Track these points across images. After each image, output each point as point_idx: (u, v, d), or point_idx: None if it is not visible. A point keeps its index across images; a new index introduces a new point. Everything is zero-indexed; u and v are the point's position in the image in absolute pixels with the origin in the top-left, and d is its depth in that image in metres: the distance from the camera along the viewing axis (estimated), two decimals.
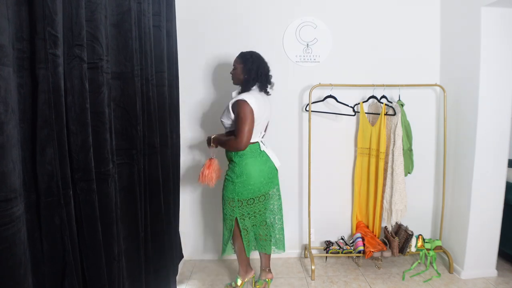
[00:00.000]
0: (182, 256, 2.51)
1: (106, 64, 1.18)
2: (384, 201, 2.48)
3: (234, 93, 2.04)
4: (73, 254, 0.97)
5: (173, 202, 2.09)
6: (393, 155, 2.39)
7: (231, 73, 2.06)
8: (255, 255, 2.34)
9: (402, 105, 2.43)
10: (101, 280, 1.11)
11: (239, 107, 1.86)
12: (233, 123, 1.94)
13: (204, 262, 2.63)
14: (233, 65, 2.04)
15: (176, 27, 2.18)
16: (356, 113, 2.55)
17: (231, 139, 1.92)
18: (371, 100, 2.53)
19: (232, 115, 1.91)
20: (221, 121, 2.03)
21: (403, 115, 2.42)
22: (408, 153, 2.46)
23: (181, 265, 2.51)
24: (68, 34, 0.99)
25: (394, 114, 2.38)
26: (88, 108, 1.06)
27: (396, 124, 2.37)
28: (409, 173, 2.51)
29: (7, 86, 0.73)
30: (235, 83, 2.06)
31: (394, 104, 2.41)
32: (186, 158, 2.59)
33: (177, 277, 2.25)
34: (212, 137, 2.06)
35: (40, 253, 0.90)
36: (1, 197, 0.71)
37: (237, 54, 2.02)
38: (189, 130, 2.58)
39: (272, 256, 2.67)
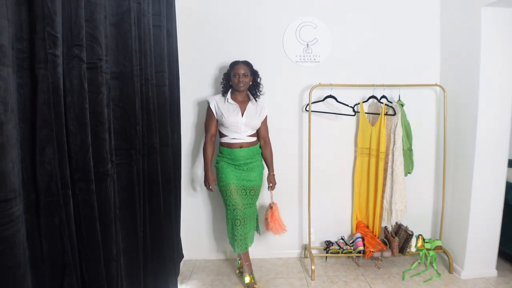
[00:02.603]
0: (183, 256, 2.51)
1: (105, 64, 1.18)
2: (384, 201, 2.48)
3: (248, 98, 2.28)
4: (72, 254, 0.97)
5: (173, 202, 2.08)
6: (393, 155, 2.39)
7: (240, 80, 2.15)
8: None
9: (402, 105, 2.43)
10: (100, 280, 1.11)
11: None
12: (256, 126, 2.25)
13: (204, 262, 2.63)
14: (243, 73, 2.16)
15: (176, 27, 2.18)
16: (356, 113, 2.55)
17: (269, 146, 2.32)
18: (371, 100, 2.53)
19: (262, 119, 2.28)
20: (251, 123, 2.18)
21: (403, 115, 2.42)
22: (408, 153, 2.46)
23: (181, 265, 2.51)
24: (67, 34, 0.99)
25: (394, 114, 2.38)
26: (87, 108, 1.06)
27: (396, 124, 2.37)
28: (409, 173, 2.51)
29: (7, 86, 0.73)
30: (242, 89, 2.20)
31: (394, 104, 2.41)
32: (187, 158, 2.59)
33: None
34: (273, 174, 2.34)
35: (39, 253, 0.90)
36: (1, 197, 0.71)
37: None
38: (190, 130, 2.58)
39: (272, 256, 2.68)
